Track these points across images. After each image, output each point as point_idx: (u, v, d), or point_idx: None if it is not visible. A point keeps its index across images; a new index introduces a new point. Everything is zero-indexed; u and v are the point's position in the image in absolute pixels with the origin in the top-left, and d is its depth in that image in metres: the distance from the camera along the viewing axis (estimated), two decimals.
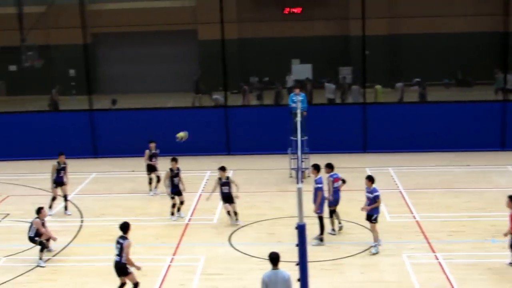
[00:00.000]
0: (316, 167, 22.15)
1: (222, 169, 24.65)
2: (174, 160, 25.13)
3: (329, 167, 22.74)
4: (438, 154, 33.01)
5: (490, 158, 32.38)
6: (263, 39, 49.00)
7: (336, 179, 22.57)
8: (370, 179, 20.88)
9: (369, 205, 20.75)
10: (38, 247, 20.94)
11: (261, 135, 34.04)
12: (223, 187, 24.32)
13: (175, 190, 24.92)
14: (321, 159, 23.91)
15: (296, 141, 25.85)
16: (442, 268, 19.75)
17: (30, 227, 21.09)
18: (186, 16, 49.11)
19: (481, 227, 23.12)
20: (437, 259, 20.47)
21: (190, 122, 34.07)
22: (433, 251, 21.07)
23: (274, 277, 14.59)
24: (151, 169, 28.55)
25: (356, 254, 20.87)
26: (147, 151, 28.67)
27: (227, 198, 24.26)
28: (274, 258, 14.81)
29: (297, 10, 49.29)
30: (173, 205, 24.98)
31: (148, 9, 48.96)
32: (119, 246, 17.46)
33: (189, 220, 24.81)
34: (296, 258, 14.44)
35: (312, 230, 21.29)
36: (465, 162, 31.74)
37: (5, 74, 51.16)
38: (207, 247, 21.92)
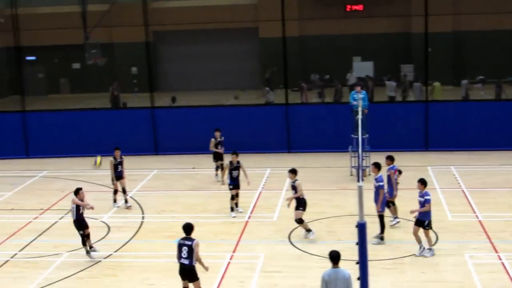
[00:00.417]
0: (377, 165, 21.96)
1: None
2: (235, 153, 25.23)
3: (390, 159, 22.96)
4: (502, 153, 32.49)
5: None
6: (324, 36, 48.91)
7: (395, 170, 22.76)
8: (423, 182, 20.37)
9: (420, 207, 20.29)
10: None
11: (322, 133, 33.91)
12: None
13: (234, 183, 25.00)
14: (382, 157, 23.68)
15: (357, 139, 25.75)
16: (505, 268, 19.41)
17: (72, 209, 21.18)
18: (247, 14, 49.29)
19: None
20: (500, 259, 20.12)
21: (250, 120, 34.31)
22: (496, 251, 20.71)
23: (334, 275, 14.47)
24: (217, 157, 29.10)
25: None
26: (212, 140, 29.41)
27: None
28: (335, 257, 14.68)
29: (358, 7, 49.06)
30: (232, 197, 25.09)
31: (209, 7, 49.20)
32: (186, 248, 16.59)
33: (249, 217, 24.82)
34: (356, 256, 14.32)
35: (372, 228, 21.10)
36: None
37: (69, 71, 51.95)
38: (266, 245, 21.90)
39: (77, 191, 21.16)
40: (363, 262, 14.23)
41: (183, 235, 16.46)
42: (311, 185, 28.37)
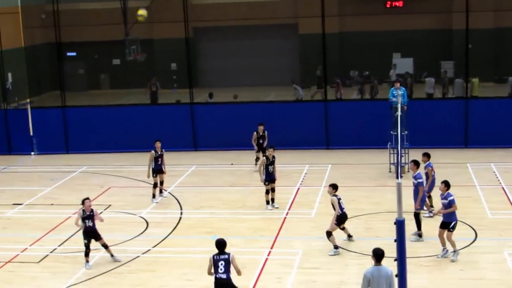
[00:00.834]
0: (416, 163, 21.84)
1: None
2: (271, 148, 25.22)
3: (427, 156, 23.13)
4: None
5: None
6: (364, 33, 48.65)
7: (432, 168, 22.87)
8: (446, 184, 19.90)
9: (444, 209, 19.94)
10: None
11: (360, 129, 33.78)
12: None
13: (269, 178, 25.00)
14: (421, 154, 23.57)
15: (396, 135, 25.66)
16: None
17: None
18: (287, 10, 49.20)
19: None
20: None
21: (289, 116, 34.29)
22: None
23: (377, 273, 14.34)
24: (260, 150, 29.62)
25: (455, 250, 20.45)
26: (255, 133, 29.84)
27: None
28: (379, 255, 14.53)
29: (398, 3, 48.73)
30: (267, 191, 25.15)
31: (248, 3, 49.19)
32: (223, 262, 15.99)
33: (287, 213, 24.82)
34: (394, 253, 14.27)
35: (411, 225, 20.99)
36: None
37: (109, 67, 52.27)
38: (304, 241, 21.89)
39: (83, 202, 20.59)
40: (401, 259, 14.19)
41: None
42: (349, 182, 28.36)
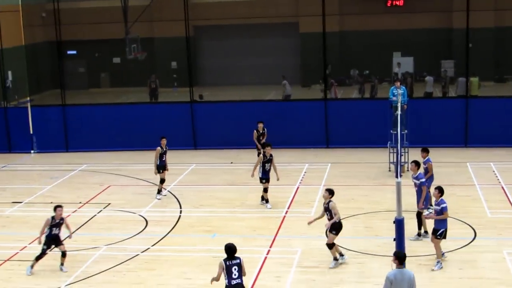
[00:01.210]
0: (417, 164, 21.76)
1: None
2: (268, 146, 25.19)
3: (426, 151, 23.30)
4: None
5: None
6: (365, 32, 48.67)
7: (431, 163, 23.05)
8: (440, 190, 19.38)
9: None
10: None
11: (360, 128, 33.79)
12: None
13: (266, 177, 24.98)
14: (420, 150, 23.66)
15: (396, 134, 25.65)
16: None
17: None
18: (288, 9, 49.24)
19: None
20: None
21: (289, 114, 34.30)
22: None
23: (400, 276, 14.30)
24: (262, 145, 29.24)
25: (455, 249, 20.44)
26: (255, 132, 29.83)
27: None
28: (401, 257, 14.51)
29: (399, 2, 48.72)
30: (265, 190, 25.16)
31: (249, 2, 49.23)
32: (236, 267, 15.51)
33: (286, 212, 24.81)
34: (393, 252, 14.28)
35: (410, 224, 20.93)
36: None
37: (110, 66, 52.28)
38: (303, 240, 21.88)
39: (55, 209, 20.27)
40: None
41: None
42: (349, 181, 28.41)
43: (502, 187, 26.84)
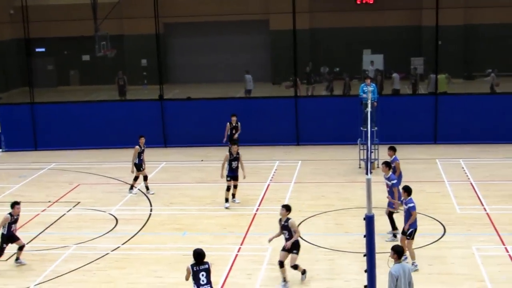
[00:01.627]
0: (388, 164, 21.79)
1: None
2: (235, 144, 25.12)
3: (393, 150, 23.42)
4: (510, 146, 32.36)
5: None
6: (335, 29, 48.78)
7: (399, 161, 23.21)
8: (406, 190, 19.29)
9: (405, 217, 19.20)
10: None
11: (331, 125, 33.83)
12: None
13: (232, 175, 24.87)
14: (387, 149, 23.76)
15: (366, 131, 25.71)
16: None
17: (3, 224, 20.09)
18: (258, 6, 49.22)
19: None
20: (508, 251, 20.09)
21: (260, 112, 34.25)
22: (503, 244, 20.67)
23: (402, 269, 14.63)
24: (232, 141, 29.10)
25: (425, 246, 20.54)
26: (228, 124, 30.34)
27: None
28: (401, 252, 14.85)
29: (369, 0, 48.82)
30: (228, 188, 24.97)
31: None
32: (204, 273, 15.32)
33: (257, 210, 24.77)
34: (363, 249, 14.28)
35: (380, 221, 20.90)
36: None
37: (79, 63, 51.97)
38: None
39: (13, 205, 20.22)
40: (370, 254, 14.19)
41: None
42: (319, 178, 28.45)
43: (471, 183, 26.99)
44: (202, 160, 32.10)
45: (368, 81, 30.03)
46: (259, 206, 25.21)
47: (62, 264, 20.29)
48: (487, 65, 44.14)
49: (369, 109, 25.53)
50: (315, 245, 20.94)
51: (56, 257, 20.78)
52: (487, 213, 23.41)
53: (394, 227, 21.33)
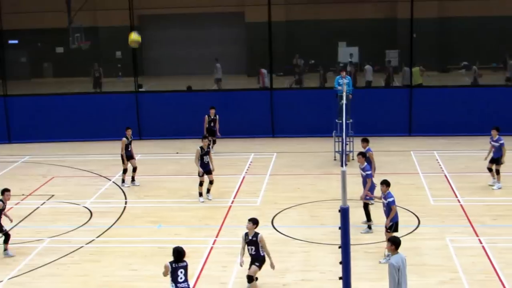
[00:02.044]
0: (364, 155, 21.89)
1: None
2: (206, 138, 25.03)
3: (366, 141, 23.47)
4: (484, 138, 32.29)
5: None
6: (311, 21, 48.72)
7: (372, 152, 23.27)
8: (384, 182, 19.33)
9: (385, 211, 19.27)
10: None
11: (306, 117, 33.86)
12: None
13: (205, 169, 24.77)
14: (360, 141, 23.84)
15: (341, 124, 25.76)
16: (486, 252, 19.49)
17: None
18: None
19: None
20: (481, 243, 20.21)
21: (235, 105, 34.25)
22: (477, 235, 20.80)
23: (401, 260, 14.78)
24: (210, 133, 29.49)
25: (399, 237, 20.53)
26: (206, 117, 30.37)
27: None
28: (399, 242, 14.95)
29: None
30: (200, 184, 24.84)
31: None
32: (183, 270, 15.24)
33: (232, 202, 24.76)
34: (338, 241, 14.28)
35: (355, 213, 20.99)
36: None
37: (52, 55, 51.55)
38: None
39: (3, 192, 20.28)
40: (345, 246, 14.18)
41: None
42: (294, 170, 28.47)
43: (445, 175, 27.13)
44: (177, 153, 32.01)
45: (343, 73, 30.09)
46: (234, 198, 25.18)
47: (36, 258, 20.16)
48: (462, 58, 44.32)
49: (344, 101, 25.59)
50: (291, 237, 20.96)
51: (30, 251, 20.63)
52: (461, 205, 23.55)
53: (369, 218, 21.40)
